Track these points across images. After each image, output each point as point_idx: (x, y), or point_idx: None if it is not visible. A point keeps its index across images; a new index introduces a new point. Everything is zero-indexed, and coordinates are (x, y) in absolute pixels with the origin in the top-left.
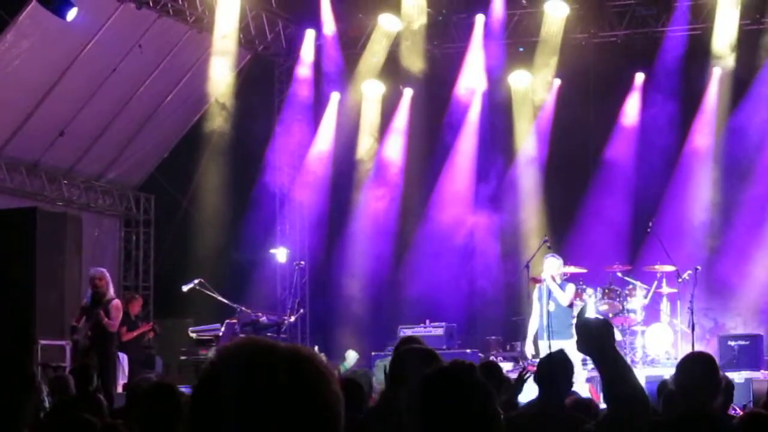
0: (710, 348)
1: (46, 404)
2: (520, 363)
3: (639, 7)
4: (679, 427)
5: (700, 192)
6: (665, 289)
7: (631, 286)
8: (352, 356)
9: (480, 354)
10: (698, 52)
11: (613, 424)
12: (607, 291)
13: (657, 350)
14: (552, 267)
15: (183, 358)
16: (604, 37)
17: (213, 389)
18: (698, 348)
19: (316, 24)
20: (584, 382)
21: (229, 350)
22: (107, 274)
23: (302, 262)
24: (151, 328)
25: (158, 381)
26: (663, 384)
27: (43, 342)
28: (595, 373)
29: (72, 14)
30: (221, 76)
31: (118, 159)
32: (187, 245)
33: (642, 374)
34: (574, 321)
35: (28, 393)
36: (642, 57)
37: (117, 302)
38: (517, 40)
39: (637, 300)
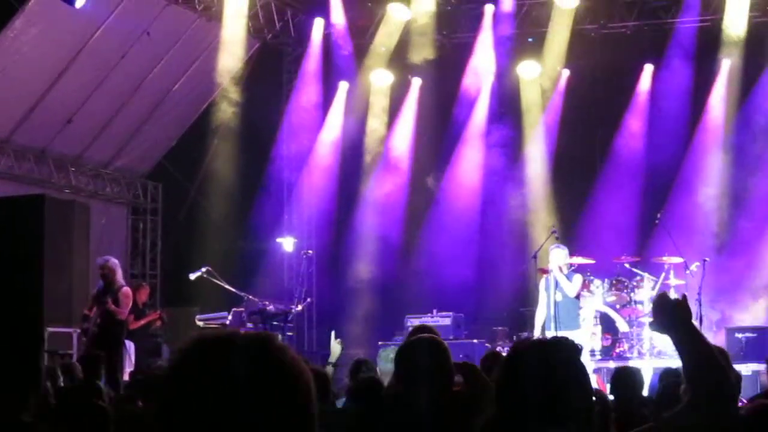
0: (717, 340)
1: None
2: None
3: None
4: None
5: (710, 183)
6: (673, 281)
7: (639, 278)
8: (336, 349)
9: (487, 344)
10: (708, 43)
11: (693, 413)
12: (614, 282)
13: (664, 342)
14: (558, 258)
15: None
16: (614, 28)
17: (178, 389)
18: None
19: (325, 13)
20: (592, 372)
21: (188, 347)
22: (111, 261)
23: (310, 251)
24: (158, 316)
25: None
26: (665, 372)
27: (50, 329)
28: (603, 364)
29: (81, 1)
30: (230, 65)
31: (126, 147)
32: (195, 234)
33: (650, 366)
34: (581, 312)
35: (34, 383)
36: (652, 48)
37: (126, 290)
38: (526, 31)
39: (645, 291)
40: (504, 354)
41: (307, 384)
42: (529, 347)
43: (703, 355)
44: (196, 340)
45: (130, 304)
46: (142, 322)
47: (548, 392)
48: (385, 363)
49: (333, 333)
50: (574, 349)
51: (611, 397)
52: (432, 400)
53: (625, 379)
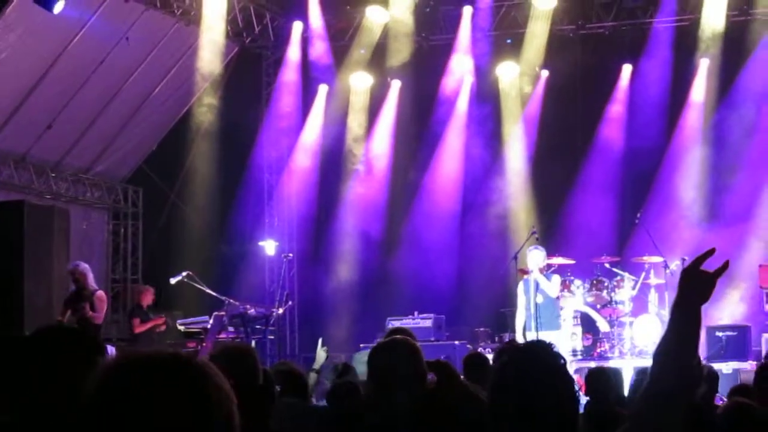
0: None
1: None
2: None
3: None
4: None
5: (689, 182)
6: (653, 280)
7: (618, 278)
8: (321, 356)
9: (468, 345)
10: (686, 43)
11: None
12: (594, 282)
13: (645, 341)
14: (537, 259)
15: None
16: (592, 28)
17: (99, 416)
18: None
19: (304, 16)
20: (573, 373)
21: (109, 370)
22: (81, 266)
23: (290, 254)
24: (163, 321)
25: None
26: (642, 372)
27: None
28: (584, 364)
29: (59, 7)
30: (209, 69)
31: (106, 152)
32: (175, 238)
33: (630, 365)
34: (562, 312)
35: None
36: (630, 49)
37: (101, 294)
38: (505, 32)
39: (625, 291)
40: (486, 355)
41: (227, 406)
42: (507, 353)
43: (688, 343)
44: (108, 365)
45: (105, 307)
46: (148, 326)
47: (520, 399)
48: (359, 366)
49: (321, 340)
50: (552, 355)
51: (586, 399)
52: (405, 401)
53: (599, 379)
